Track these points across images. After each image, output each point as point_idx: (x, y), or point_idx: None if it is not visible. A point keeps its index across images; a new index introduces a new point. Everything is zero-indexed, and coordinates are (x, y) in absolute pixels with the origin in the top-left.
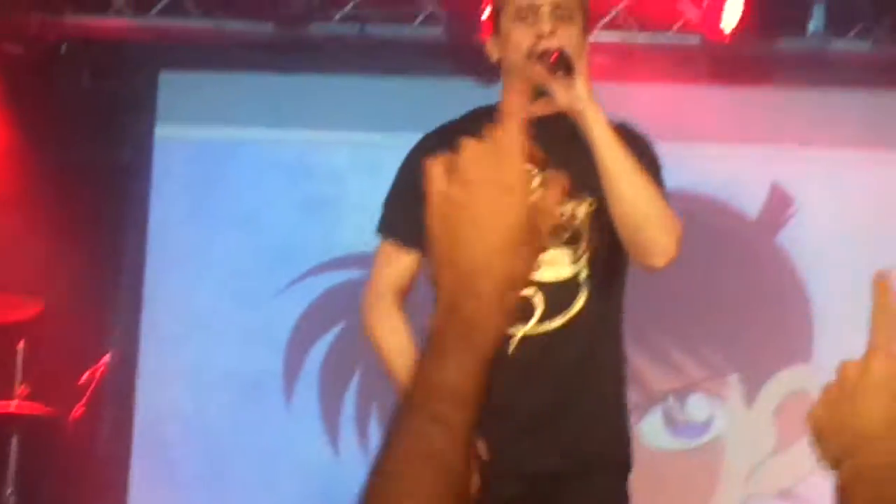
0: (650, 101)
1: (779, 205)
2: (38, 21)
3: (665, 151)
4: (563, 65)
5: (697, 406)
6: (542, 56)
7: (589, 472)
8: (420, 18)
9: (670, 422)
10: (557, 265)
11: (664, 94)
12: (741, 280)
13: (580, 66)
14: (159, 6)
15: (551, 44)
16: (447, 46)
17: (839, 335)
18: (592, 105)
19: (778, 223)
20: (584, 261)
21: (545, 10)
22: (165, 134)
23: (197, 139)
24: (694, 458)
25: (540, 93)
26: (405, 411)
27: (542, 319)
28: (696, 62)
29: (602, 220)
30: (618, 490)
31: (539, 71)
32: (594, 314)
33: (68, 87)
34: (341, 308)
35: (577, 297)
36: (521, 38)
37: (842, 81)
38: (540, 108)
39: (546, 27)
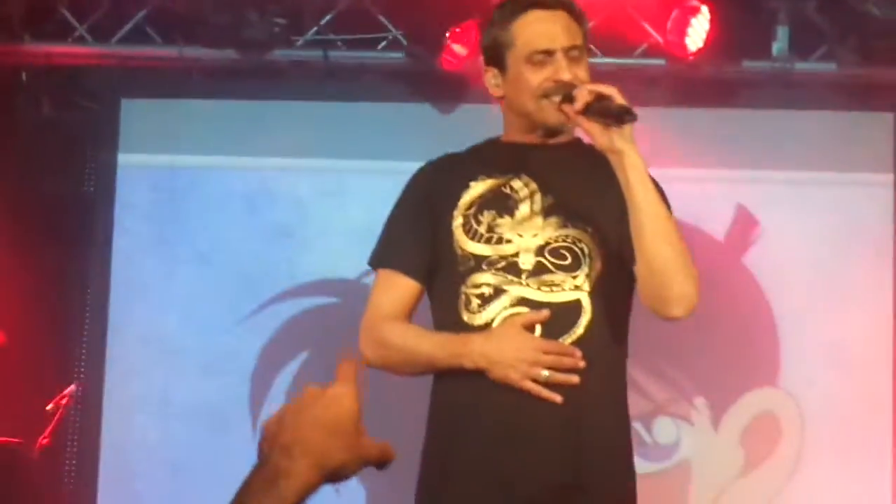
0: None
1: (744, 226)
2: None
3: None
4: (615, 115)
5: (664, 429)
6: (565, 98)
7: (591, 497)
8: (383, 44)
9: (637, 445)
10: (557, 289)
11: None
12: (707, 301)
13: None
14: (120, 33)
15: (581, 93)
16: (410, 72)
17: (805, 358)
18: (634, 147)
19: (744, 244)
20: (585, 287)
21: (560, 55)
22: (128, 162)
23: (160, 167)
24: (661, 482)
25: (548, 130)
26: None
27: None
28: (660, 85)
29: (605, 249)
30: None
31: (570, 110)
32: (597, 342)
33: (28, 116)
34: (306, 335)
35: (578, 323)
36: (536, 81)
37: (806, 103)
38: (546, 139)
39: (566, 75)
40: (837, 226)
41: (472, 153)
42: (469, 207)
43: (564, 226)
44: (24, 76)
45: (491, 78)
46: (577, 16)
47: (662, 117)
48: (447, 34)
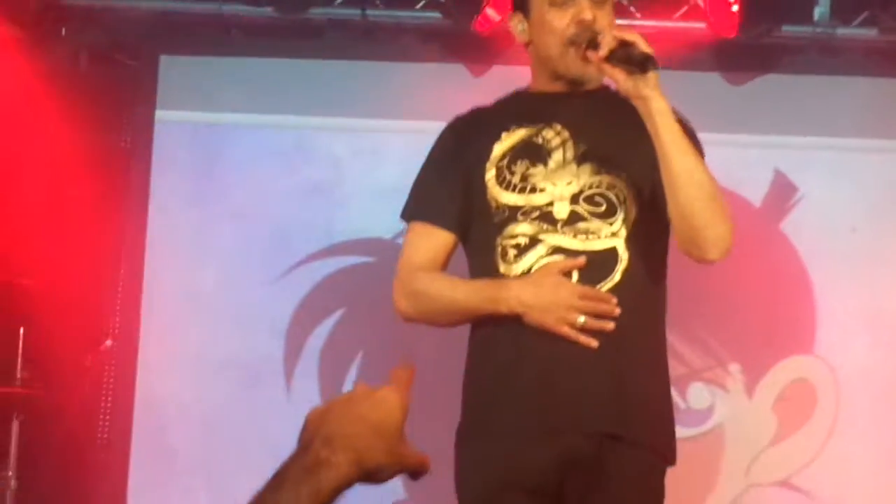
0: None
1: (782, 192)
2: (36, 4)
3: None
4: (638, 62)
5: (698, 395)
6: (589, 44)
7: (630, 449)
8: (421, 4)
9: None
10: (593, 237)
11: (668, 81)
12: (744, 268)
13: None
14: None
15: (605, 39)
16: (447, 32)
17: (841, 325)
18: (659, 93)
19: (782, 211)
20: (621, 234)
21: None
22: (165, 118)
23: (197, 123)
24: (695, 447)
25: (574, 79)
26: None
27: None
28: (700, 49)
29: (639, 196)
30: (658, 473)
31: (594, 56)
32: (634, 289)
33: (67, 71)
34: (341, 294)
35: (615, 271)
36: (560, 25)
37: (847, 69)
38: (575, 88)
39: (588, 15)
40: (876, 192)
41: (501, 105)
42: (502, 159)
43: (598, 172)
44: (63, 31)
45: (517, 23)
46: None
47: (702, 81)
48: None
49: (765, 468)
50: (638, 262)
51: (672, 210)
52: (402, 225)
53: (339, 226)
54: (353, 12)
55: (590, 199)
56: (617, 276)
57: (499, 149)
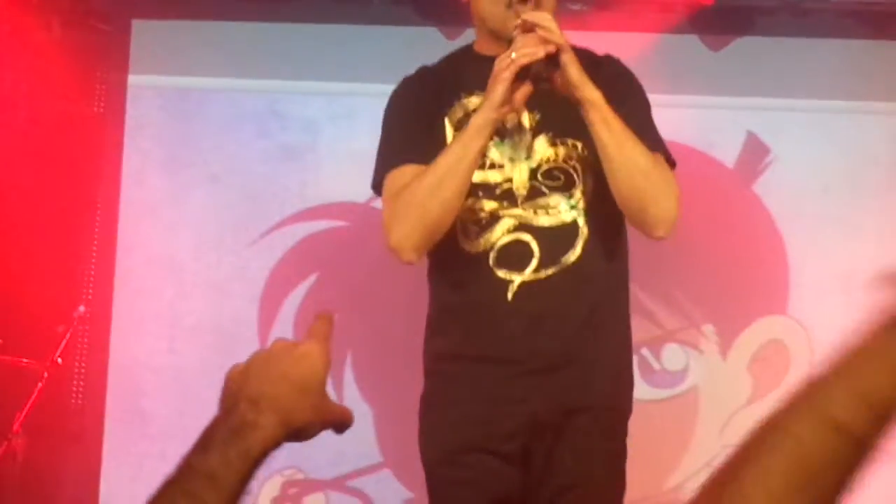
0: (627, 51)
1: (755, 154)
2: None
3: None
4: (550, 65)
5: (672, 356)
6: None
7: (592, 412)
8: None
9: (645, 371)
10: (553, 211)
11: (641, 43)
12: (717, 229)
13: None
14: None
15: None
16: None
17: (814, 286)
18: (583, 81)
19: (754, 172)
20: (580, 206)
21: None
22: (138, 83)
23: (170, 88)
24: (669, 408)
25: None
26: (161, 487)
27: (539, 267)
28: (674, 11)
29: (594, 165)
30: (617, 431)
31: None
32: (595, 260)
33: (38, 36)
34: (316, 257)
35: (576, 243)
36: None
37: (820, 31)
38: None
39: None
40: (849, 155)
41: (450, 67)
42: (457, 129)
43: (553, 144)
44: None
45: None
46: None
47: (675, 44)
48: None
49: (739, 429)
50: (598, 233)
51: (615, 194)
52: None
53: (312, 190)
54: None
55: (548, 174)
56: (578, 249)
57: (454, 118)
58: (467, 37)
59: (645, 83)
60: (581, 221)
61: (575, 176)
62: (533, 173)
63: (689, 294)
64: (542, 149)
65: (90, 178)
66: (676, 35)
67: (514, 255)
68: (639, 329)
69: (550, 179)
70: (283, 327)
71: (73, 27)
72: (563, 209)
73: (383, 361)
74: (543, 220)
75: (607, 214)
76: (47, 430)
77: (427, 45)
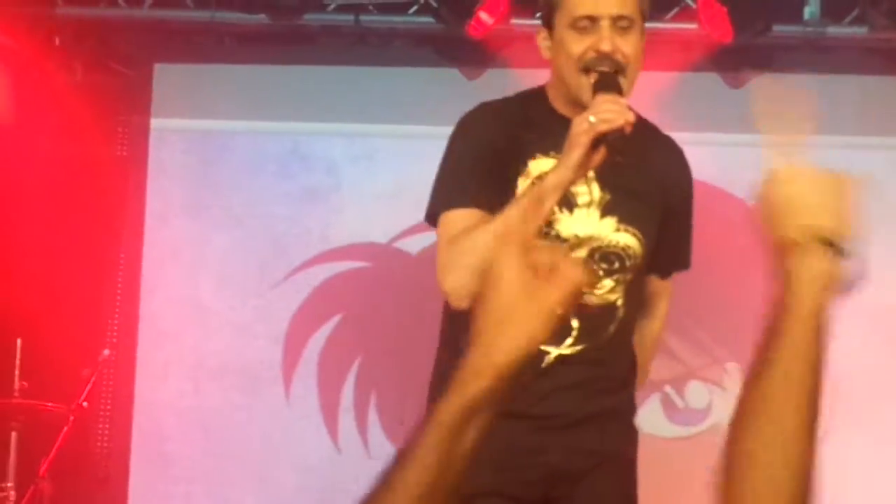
0: (648, 90)
1: None
2: (30, 14)
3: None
4: (624, 136)
5: (696, 394)
6: (598, 79)
7: (610, 461)
8: (414, 9)
9: (669, 409)
10: (599, 292)
11: (661, 81)
12: (739, 266)
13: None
14: None
15: (615, 56)
16: (440, 37)
17: (836, 322)
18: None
19: None
20: (622, 288)
21: (605, 23)
22: (161, 126)
23: (193, 131)
24: (692, 446)
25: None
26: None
27: (575, 342)
28: (693, 50)
29: (646, 254)
30: (630, 478)
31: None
32: (625, 335)
33: (62, 80)
34: (339, 299)
35: (613, 322)
36: (577, 51)
37: (838, 67)
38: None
39: (607, 46)
40: (867, 190)
41: (525, 115)
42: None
43: (618, 230)
44: (57, 41)
45: (542, 39)
46: None
47: (696, 82)
48: (480, 2)
49: None
50: (631, 309)
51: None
52: (396, 229)
53: (335, 231)
54: (346, 18)
55: (605, 257)
56: (612, 328)
57: (524, 182)
58: (488, 78)
59: (666, 121)
60: (620, 302)
61: (628, 263)
62: (591, 253)
63: (712, 331)
64: (607, 232)
65: (114, 221)
66: (697, 73)
67: (554, 332)
68: (662, 367)
69: (606, 262)
70: (307, 368)
71: (96, 71)
72: (608, 290)
73: (408, 402)
74: (588, 299)
75: (640, 294)
76: (73, 474)
77: (447, 86)
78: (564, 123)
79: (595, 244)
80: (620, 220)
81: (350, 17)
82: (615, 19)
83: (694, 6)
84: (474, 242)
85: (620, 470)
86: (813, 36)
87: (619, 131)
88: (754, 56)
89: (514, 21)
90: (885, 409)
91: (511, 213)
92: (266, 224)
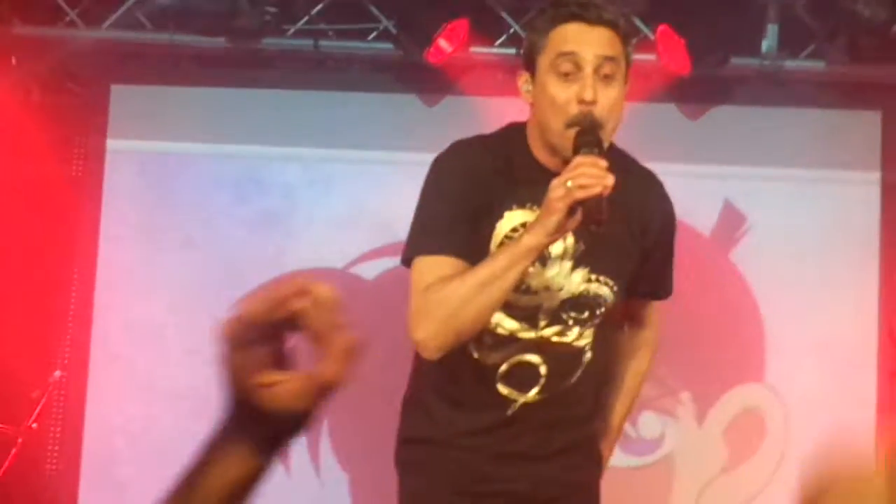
0: None
1: (731, 223)
2: None
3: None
4: (602, 202)
5: (648, 424)
6: (580, 132)
7: (571, 496)
8: (373, 35)
9: (622, 439)
10: (568, 339)
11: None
12: (694, 297)
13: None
14: (111, 19)
15: (594, 111)
16: (399, 63)
17: (790, 354)
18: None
19: (731, 240)
20: (591, 333)
21: (588, 70)
22: (117, 147)
23: (149, 153)
24: (645, 476)
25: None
26: None
27: (542, 390)
28: (651, 81)
29: (617, 302)
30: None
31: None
32: (591, 375)
33: (18, 101)
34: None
35: (580, 367)
36: (562, 100)
37: (795, 101)
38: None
39: (589, 94)
40: (824, 223)
41: (505, 160)
42: (502, 244)
43: (589, 280)
44: (13, 60)
45: (524, 83)
46: (622, 34)
47: (653, 113)
48: (439, 29)
49: (715, 497)
50: (599, 352)
51: None
52: (353, 254)
53: (290, 256)
54: (305, 43)
55: (576, 306)
56: (579, 372)
57: (500, 229)
58: (446, 105)
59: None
60: (589, 347)
61: (599, 312)
62: (563, 304)
63: (666, 362)
64: (578, 283)
65: (67, 241)
66: (654, 104)
67: (522, 377)
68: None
69: (576, 312)
70: None
71: (52, 92)
72: (577, 337)
73: (360, 428)
74: (557, 346)
75: (608, 338)
76: (21, 498)
77: (406, 112)
78: (543, 173)
79: (566, 295)
80: (592, 271)
81: (309, 42)
82: (599, 65)
83: (652, 38)
84: (448, 295)
85: (586, 500)
86: (770, 69)
87: (596, 199)
88: (712, 88)
89: (473, 49)
90: (833, 435)
91: (487, 272)
92: (221, 248)
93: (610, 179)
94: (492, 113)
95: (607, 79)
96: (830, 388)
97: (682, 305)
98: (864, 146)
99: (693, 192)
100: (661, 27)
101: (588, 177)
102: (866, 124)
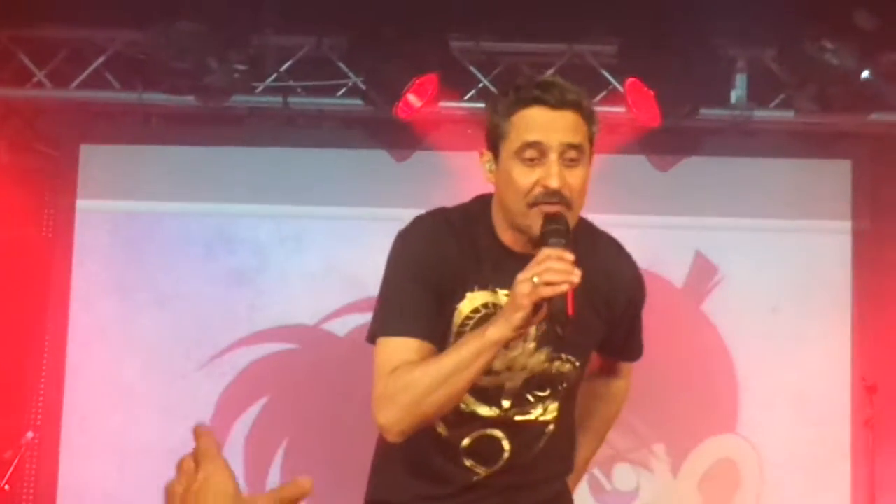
0: None
1: (703, 274)
2: None
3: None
4: (556, 319)
5: (623, 476)
6: (547, 218)
7: None
8: (342, 91)
9: (597, 491)
10: (532, 415)
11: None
12: (666, 349)
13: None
14: (79, 79)
15: (554, 206)
16: (368, 118)
17: (763, 404)
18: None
19: (703, 292)
20: (554, 407)
21: (553, 157)
22: (87, 207)
23: (119, 212)
24: None
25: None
26: None
27: (506, 464)
28: (621, 132)
29: (580, 378)
30: None
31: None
32: (556, 441)
33: None
34: (266, 382)
35: (543, 438)
36: (524, 185)
37: (765, 150)
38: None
39: (555, 182)
40: (796, 272)
41: (469, 238)
42: (462, 325)
43: (552, 359)
44: None
45: (486, 162)
46: (585, 115)
47: (623, 164)
48: (408, 84)
49: None
50: (562, 423)
51: None
52: (324, 311)
53: (261, 313)
54: (274, 100)
55: (538, 385)
56: (542, 443)
57: (461, 310)
58: (416, 159)
59: (593, 203)
60: (552, 419)
61: (561, 389)
62: (525, 383)
63: (640, 414)
64: (542, 362)
65: (38, 302)
66: (625, 156)
67: (485, 451)
68: None
69: (539, 390)
70: (234, 450)
71: (21, 152)
72: (542, 413)
73: (335, 483)
74: (520, 423)
75: (571, 409)
76: None
77: (376, 167)
78: (506, 254)
79: (528, 375)
80: (555, 350)
81: (278, 99)
82: (563, 151)
83: (621, 90)
84: (412, 383)
85: None
86: (740, 119)
87: (562, 296)
88: (682, 139)
89: (442, 104)
90: (808, 489)
91: (451, 362)
92: (192, 306)
93: (576, 276)
94: (461, 167)
95: (573, 162)
96: (804, 437)
97: (655, 357)
98: (835, 195)
99: (665, 243)
100: (630, 80)
101: (555, 272)
102: (836, 173)
